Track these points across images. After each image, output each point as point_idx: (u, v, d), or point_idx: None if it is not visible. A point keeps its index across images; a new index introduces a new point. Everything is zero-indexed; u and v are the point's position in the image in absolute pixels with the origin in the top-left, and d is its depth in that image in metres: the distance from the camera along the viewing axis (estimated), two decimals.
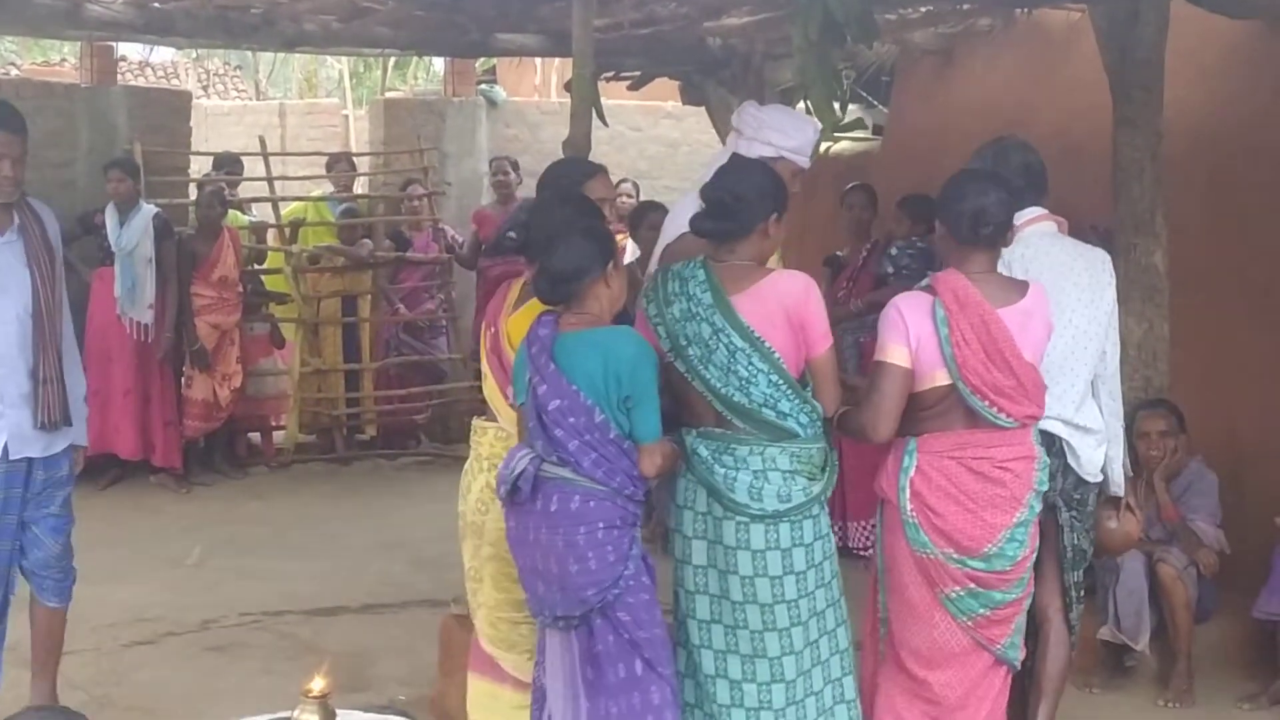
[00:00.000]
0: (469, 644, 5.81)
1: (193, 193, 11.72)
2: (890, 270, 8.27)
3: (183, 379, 10.40)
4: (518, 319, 4.83)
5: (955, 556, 4.69)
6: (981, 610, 4.73)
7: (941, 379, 4.68)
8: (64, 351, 5.53)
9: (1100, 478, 5.25)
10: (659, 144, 14.54)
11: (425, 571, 8.31)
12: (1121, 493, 5.37)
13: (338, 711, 5.57)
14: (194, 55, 25.80)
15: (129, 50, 21.68)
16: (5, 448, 5.33)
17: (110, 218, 10.11)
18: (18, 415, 5.35)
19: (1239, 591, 6.59)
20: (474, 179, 13.10)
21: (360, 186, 12.62)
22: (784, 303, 4.58)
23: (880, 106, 11.55)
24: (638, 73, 11.11)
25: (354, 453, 11.63)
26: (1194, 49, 7.45)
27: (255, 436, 11.58)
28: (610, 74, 10.71)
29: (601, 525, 4.45)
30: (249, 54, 25.45)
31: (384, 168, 12.92)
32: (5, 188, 5.34)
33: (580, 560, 4.44)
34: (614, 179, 12.86)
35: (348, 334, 11.67)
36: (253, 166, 12.21)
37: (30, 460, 5.42)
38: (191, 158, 12.53)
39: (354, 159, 13.08)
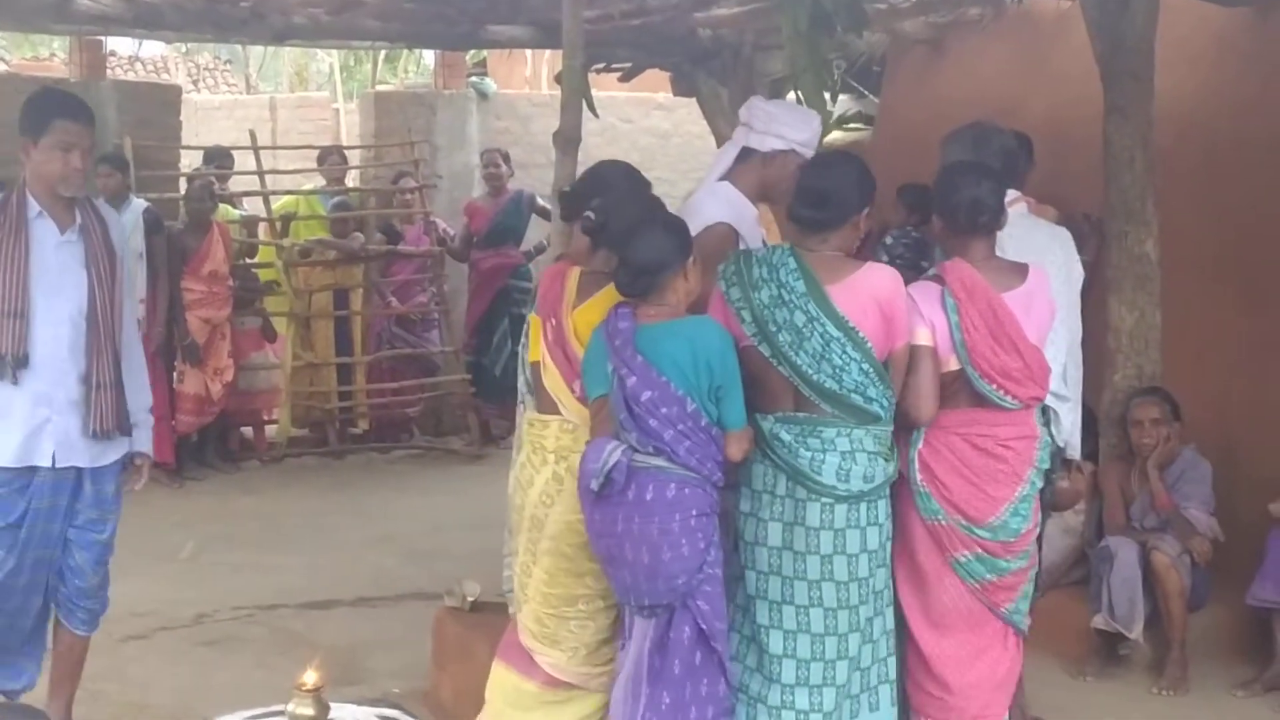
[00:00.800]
0: (462, 637, 5.83)
1: (183, 187, 11.70)
2: (885, 259, 8.25)
3: (174, 374, 10.38)
4: (585, 312, 4.82)
5: (964, 524, 4.82)
6: (989, 576, 4.85)
7: (952, 364, 4.82)
8: (125, 358, 5.30)
9: (1065, 443, 5.46)
10: (650, 135, 14.53)
11: (418, 564, 8.31)
12: (1078, 456, 5.64)
13: (331, 705, 5.57)
14: (184, 49, 25.74)
15: (118, 45, 21.63)
16: (53, 455, 5.11)
17: None
18: (66, 422, 5.12)
19: (1232, 579, 6.60)
20: (465, 171, 13.09)
21: (351, 180, 12.60)
22: (876, 296, 4.68)
23: (871, 96, 11.55)
24: (628, 64, 11.10)
25: (346, 446, 11.63)
26: (1184, 37, 7.46)
27: (248, 431, 11.57)
28: (601, 66, 10.71)
29: (694, 512, 4.55)
30: (239, 48, 25.37)
31: (375, 161, 12.90)
32: (74, 181, 5.11)
33: (674, 547, 4.52)
34: None
35: (339, 327, 11.66)
36: (243, 160, 12.18)
37: (79, 470, 5.18)
38: (181, 152, 12.51)
39: (345, 152, 13.06)
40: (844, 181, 4.84)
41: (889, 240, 7.36)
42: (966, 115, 8.82)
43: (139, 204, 10.19)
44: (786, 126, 5.29)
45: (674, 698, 4.55)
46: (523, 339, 5.22)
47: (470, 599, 6.08)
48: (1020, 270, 4.96)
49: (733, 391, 4.56)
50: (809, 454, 4.64)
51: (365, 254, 11.61)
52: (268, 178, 11.88)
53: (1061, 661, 6.57)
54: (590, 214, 4.84)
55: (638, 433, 4.53)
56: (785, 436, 4.67)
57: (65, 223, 5.15)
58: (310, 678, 5.43)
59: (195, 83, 25.45)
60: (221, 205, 11.20)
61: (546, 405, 4.89)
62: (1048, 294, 4.99)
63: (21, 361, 5.04)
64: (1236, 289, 7.29)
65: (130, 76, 21.30)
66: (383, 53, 20.41)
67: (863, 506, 4.67)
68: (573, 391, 4.80)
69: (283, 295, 11.37)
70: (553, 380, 4.85)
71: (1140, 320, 6.87)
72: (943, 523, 4.81)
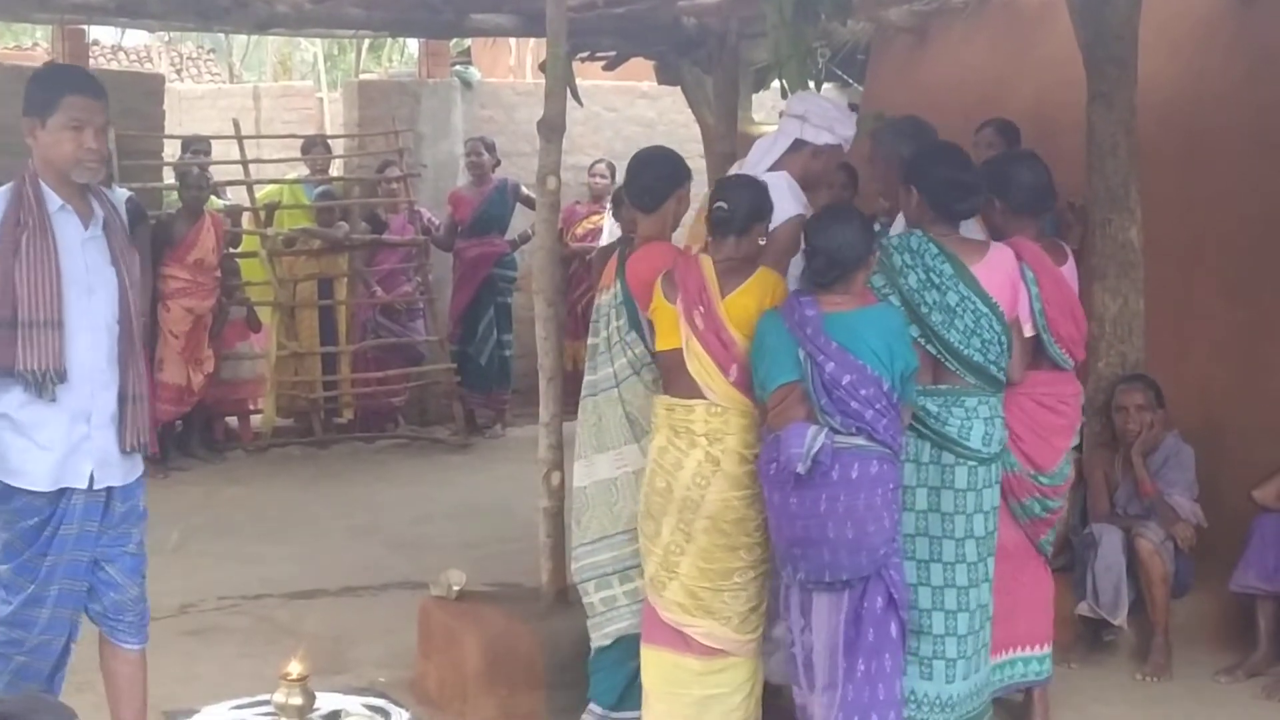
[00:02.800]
0: (447, 626, 5.83)
1: (166, 176, 11.67)
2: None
3: (155, 362, 10.36)
4: (737, 299, 5.08)
5: (1030, 473, 5.57)
6: (1040, 513, 5.66)
7: (1028, 331, 5.49)
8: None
9: None
10: (635, 124, 14.51)
11: (404, 554, 8.31)
12: None
13: (317, 694, 5.57)
14: (167, 39, 25.65)
15: (101, 34, 21.57)
16: (91, 476, 4.61)
17: None
18: (104, 438, 4.63)
19: (1216, 565, 6.61)
20: (449, 160, 13.07)
21: (336, 169, 12.58)
22: (1008, 273, 5.33)
23: (855, 85, 11.54)
24: (613, 53, 11.09)
25: (331, 436, 11.61)
26: (1167, 23, 7.46)
27: (232, 421, 11.56)
28: (585, 54, 10.70)
29: (891, 486, 4.91)
30: (222, 37, 25.28)
31: (359, 150, 12.88)
32: (88, 164, 4.57)
33: (876, 520, 4.86)
34: (589, 160, 12.95)
35: (324, 317, 11.65)
36: (227, 150, 12.15)
37: (110, 489, 4.69)
38: (165, 141, 12.47)
39: (329, 141, 13.04)
40: (976, 176, 5.47)
41: (876, 228, 7.38)
42: (951, 103, 8.86)
43: (121, 193, 10.05)
44: (838, 123, 5.68)
45: (872, 665, 4.89)
46: (609, 326, 5.50)
47: (456, 588, 6.08)
48: (1061, 250, 5.77)
49: (911, 370, 4.97)
50: (956, 422, 5.19)
51: (350, 243, 11.60)
52: (251, 167, 11.85)
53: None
54: (722, 205, 5.13)
55: (841, 416, 4.83)
56: (931, 407, 5.18)
57: (85, 214, 4.67)
58: (296, 667, 5.43)
59: (179, 72, 25.31)
60: None
61: (686, 390, 5.10)
62: (1074, 275, 5.77)
63: (60, 376, 4.51)
64: (1220, 275, 7.30)
65: (113, 66, 21.23)
66: (366, 42, 20.35)
67: (994, 466, 5.29)
68: (726, 376, 5.04)
69: (265, 285, 11.34)
70: (702, 366, 5.06)
71: (1124, 307, 6.88)
72: (1016, 472, 5.51)
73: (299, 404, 11.63)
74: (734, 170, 6.70)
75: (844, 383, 4.81)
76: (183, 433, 10.85)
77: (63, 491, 4.59)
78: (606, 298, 5.58)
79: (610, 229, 11.25)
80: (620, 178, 11.74)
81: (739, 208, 5.13)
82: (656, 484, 5.12)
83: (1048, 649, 5.84)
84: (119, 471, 4.70)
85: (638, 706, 5.35)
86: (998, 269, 5.25)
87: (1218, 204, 7.33)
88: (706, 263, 5.13)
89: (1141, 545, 6.43)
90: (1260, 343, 6.77)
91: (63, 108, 4.54)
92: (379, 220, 12.00)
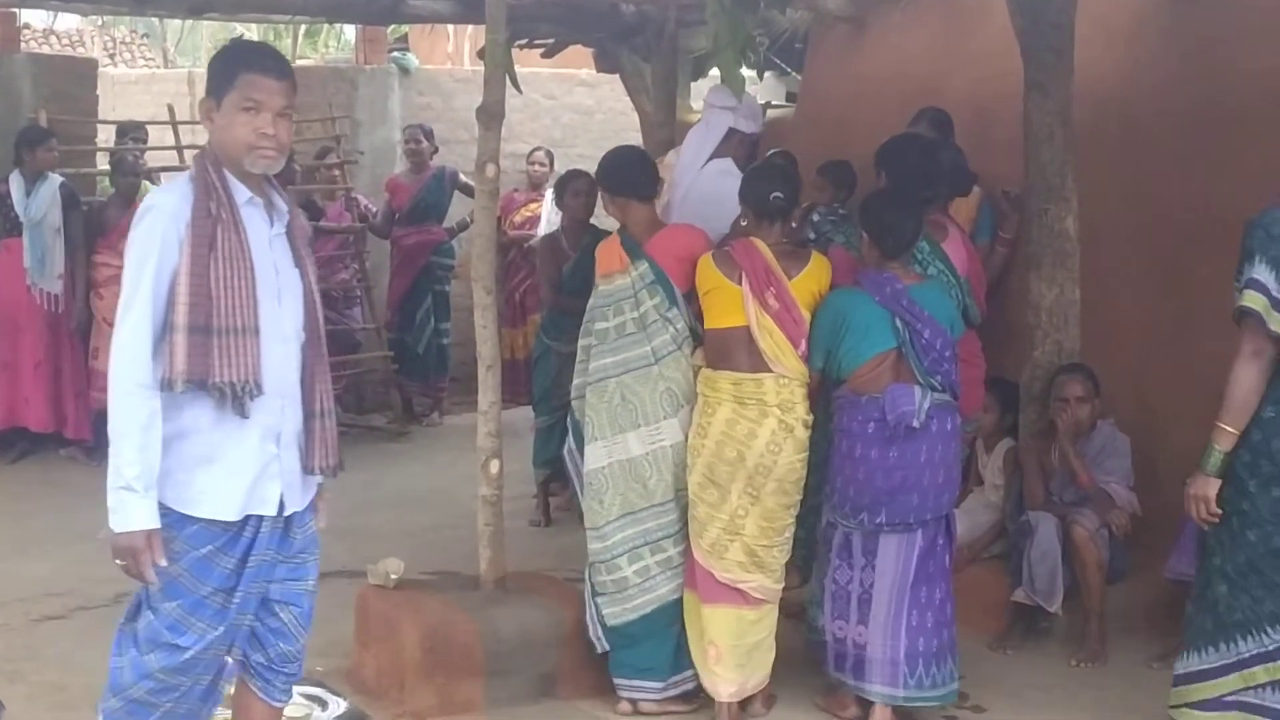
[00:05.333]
0: (385, 614, 5.82)
1: (99, 162, 11.55)
2: (813, 236, 8.29)
3: (90, 350, 10.27)
4: (803, 283, 5.69)
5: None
6: None
7: None
8: None
9: None
10: (573, 112, 14.49)
11: (342, 542, 8.23)
12: None
13: None
14: (99, 23, 25.42)
15: (33, 18, 21.31)
16: (280, 500, 4.18)
17: (15, 187, 9.95)
18: (291, 459, 4.23)
19: (1150, 553, 6.67)
20: (387, 148, 13.01)
21: None
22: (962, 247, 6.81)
23: (794, 74, 11.55)
24: (551, 40, 11.06)
25: None
26: (1104, 14, 7.51)
27: None
28: (524, 41, 10.66)
29: (959, 436, 5.80)
30: (156, 22, 25.12)
31: (296, 137, 12.74)
32: (266, 150, 4.05)
33: (956, 466, 5.79)
34: (527, 147, 12.92)
35: None
36: (161, 135, 12.04)
37: (290, 515, 4.26)
38: (99, 126, 12.35)
39: None
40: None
41: (816, 218, 7.39)
42: (888, 93, 8.89)
43: (54, 178, 10.07)
44: (758, 114, 6.69)
45: (935, 592, 5.68)
46: (640, 307, 5.83)
47: (394, 577, 6.06)
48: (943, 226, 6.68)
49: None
50: None
51: None
52: (186, 153, 11.74)
53: (982, 635, 6.62)
54: (779, 195, 5.69)
55: (940, 376, 5.61)
56: None
57: (269, 211, 4.18)
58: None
59: (111, 57, 25.08)
60: None
61: (749, 364, 5.61)
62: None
63: (258, 389, 4.05)
64: (1155, 265, 7.35)
65: (45, 50, 20.99)
66: (303, 27, 20.24)
67: None
68: (796, 351, 5.63)
69: None
70: (775, 342, 5.60)
71: (1060, 296, 6.92)
72: None
73: None
74: (672, 157, 6.78)
75: (938, 346, 5.61)
76: None
77: (246, 519, 4.13)
78: (622, 281, 5.88)
79: (549, 217, 11.23)
80: (559, 166, 11.77)
81: (791, 198, 5.75)
82: (726, 454, 5.58)
83: None
84: (301, 495, 4.29)
85: (690, 667, 5.81)
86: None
87: (1153, 193, 7.38)
88: (763, 247, 5.66)
89: (1077, 533, 6.47)
90: (1195, 331, 6.82)
91: (238, 87, 4.06)
92: (315, 207, 11.91)
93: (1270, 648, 4.84)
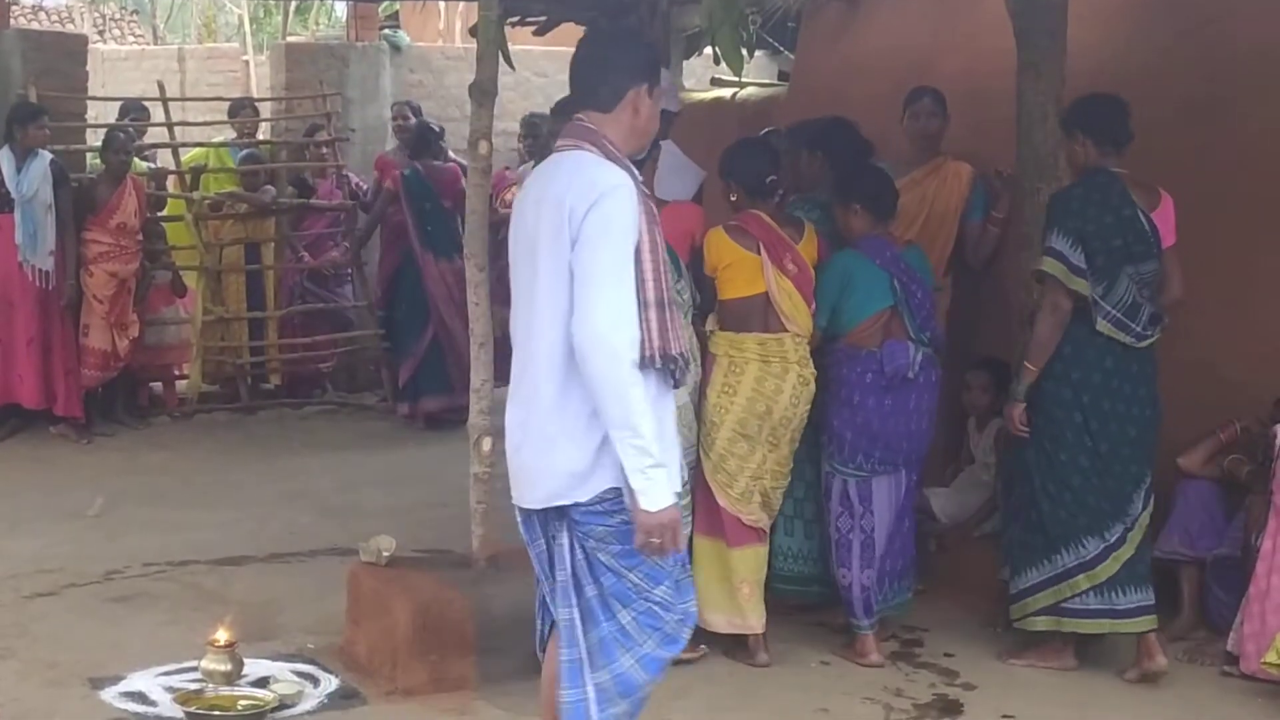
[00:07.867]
0: (377, 592, 5.82)
1: (89, 139, 11.51)
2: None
3: (80, 327, 10.25)
4: (805, 248, 6.17)
5: None
6: None
7: None
8: None
9: None
10: (565, 89, 14.39)
11: (332, 520, 8.27)
12: None
13: (245, 660, 5.55)
14: None
15: None
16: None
17: (6, 164, 9.91)
18: None
19: None
20: (378, 125, 12.99)
21: (263, 132, 12.45)
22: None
23: (787, 52, 11.54)
24: (543, 18, 11.02)
25: (258, 402, 11.52)
26: None
27: (157, 386, 11.44)
28: (516, 19, 10.62)
29: (940, 386, 6.37)
30: None
31: (286, 114, 12.75)
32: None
33: (934, 412, 6.33)
34: (518, 125, 12.84)
35: (251, 282, 11.54)
36: (152, 112, 12.01)
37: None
38: (89, 103, 12.30)
39: (257, 105, 12.89)
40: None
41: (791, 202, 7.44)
42: (881, 72, 8.87)
43: (44, 155, 10.04)
44: (676, 94, 6.93)
45: (907, 520, 6.38)
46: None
47: (386, 554, 6.05)
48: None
49: None
50: None
51: (277, 207, 11.49)
52: (177, 130, 11.72)
53: (973, 613, 6.64)
54: (775, 178, 6.18)
55: (930, 331, 6.23)
56: None
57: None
58: (223, 634, 5.41)
59: (101, 33, 24.98)
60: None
61: (766, 326, 6.06)
62: None
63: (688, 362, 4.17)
64: None
65: (34, 26, 20.92)
66: (294, 3, 20.21)
67: None
68: (809, 310, 6.11)
69: (191, 249, 11.21)
70: (794, 304, 6.08)
71: None
72: None
73: (225, 370, 11.51)
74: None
75: (926, 305, 6.23)
76: (106, 398, 10.71)
77: None
78: None
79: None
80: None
81: (782, 178, 6.28)
82: (756, 409, 6.02)
83: None
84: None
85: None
86: None
87: (1145, 172, 7.36)
88: (770, 220, 6.11)
89: None
90: (1185, 312, 6.81)
91: (659, 79, 4.19)
92: (306, 184, 11.89)
93: (1087, 558, 5.91)
